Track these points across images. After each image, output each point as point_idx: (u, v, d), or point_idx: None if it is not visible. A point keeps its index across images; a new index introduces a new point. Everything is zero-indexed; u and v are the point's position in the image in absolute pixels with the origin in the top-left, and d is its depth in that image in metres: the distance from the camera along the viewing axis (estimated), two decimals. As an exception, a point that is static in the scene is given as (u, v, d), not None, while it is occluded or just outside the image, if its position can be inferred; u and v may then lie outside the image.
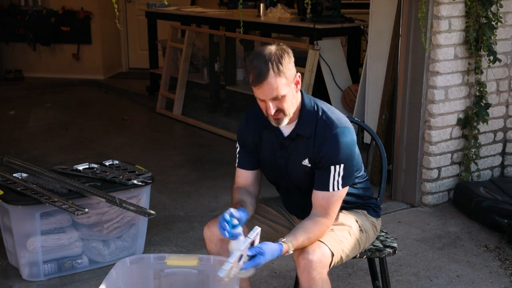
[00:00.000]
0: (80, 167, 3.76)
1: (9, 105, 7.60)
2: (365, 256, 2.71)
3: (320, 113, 2.46)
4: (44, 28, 8.79)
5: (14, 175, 3.61)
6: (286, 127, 2.49)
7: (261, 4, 6.38)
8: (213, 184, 4.87)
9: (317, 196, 2.45)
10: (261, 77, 2.33)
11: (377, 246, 2.75)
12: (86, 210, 3.26)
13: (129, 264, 2.62)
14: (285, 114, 2.41)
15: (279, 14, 6.20)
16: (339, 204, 2.48)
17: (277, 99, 2.36)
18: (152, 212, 3.42)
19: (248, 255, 2.26)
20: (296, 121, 2.48)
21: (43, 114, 7.32)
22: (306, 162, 2.48)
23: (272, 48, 2.38)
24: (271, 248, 2.31)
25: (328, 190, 2.43)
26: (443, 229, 4.08)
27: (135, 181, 3.56)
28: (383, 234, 2.86)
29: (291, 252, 2.37)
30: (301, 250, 2.39)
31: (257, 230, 2.31)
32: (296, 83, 2.41)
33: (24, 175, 3.63)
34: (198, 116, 6.80)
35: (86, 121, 6.90)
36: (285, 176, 2.58)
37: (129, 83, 8.64)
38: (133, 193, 3.57)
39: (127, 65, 9.61)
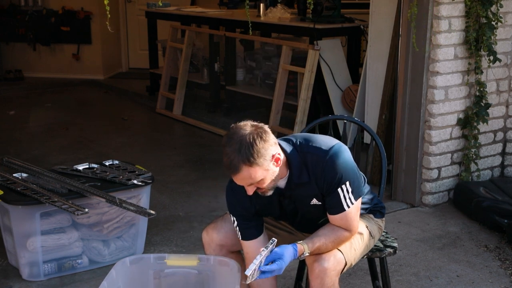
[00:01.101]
0: (80, 167, 3.77)
1: (9, 105, 7.60)
2: (365, 256, 2.71)
3: (304, 149, 2.37)
4: (44, 28, 8.79)
5: (14, 175, 3.61)
6: (281, 180, 2.39)
7: (261, 4, 6.38)
8: (213, 184, 4.87)
9: (335, 218, 2.42)
10: (232, 169, 2.23)
11: (377, 246, 2.75)
12: (86, 210, 3.26)
13: (129, 264, 2.62)
14: (268, 189, 2.33)
15: (279, 14, 6.19)
16: (357, 215, 2.46)
17: (253, 184, 2.28)
18: (152, 212, 3.42)
19: (267, 263, 2.26)
20: (288, 173, 2.39)
21: (43, 114, 7.32)
22: (314, 201, 2.43)
23: (246, 131, 2.24)
24: (287, 251, 2.30)
25: (344, 210, 2.40)
26: (443, 229, 4.08)
27: (135, 181, 3.56)
28: (383, 234, 2.86)
29: (307, 254, 2.36)
30: (316, 256, 2.39)
31: (275, 242, 2.30)
32: (276, 160, 2.29)
33: (24, 175, 3.63)
34: (198, 116, 6.80)
35: (86, 121, 6.90)
36: (296, 217, 2.55)
37: (129, 83, 8.64)
38: (133, 193, 3.57)
39: (127, 65, 9.61)
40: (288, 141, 2.41)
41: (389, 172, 4.45)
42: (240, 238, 2.50)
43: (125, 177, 3.61)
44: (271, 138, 2.29)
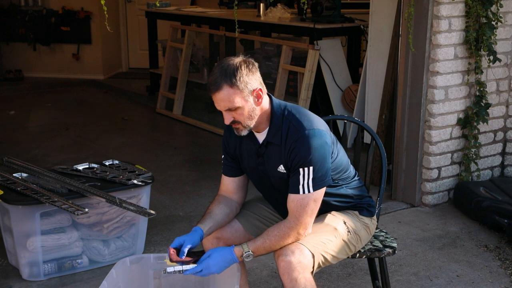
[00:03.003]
0: (80, 167, 3.77)
1: (9, 105, 7.60)
2: (365, 256, 2.71)
3: (290, 118, 2.44)
4: (44, 28, 8.79)
5: (14, 175, 3.61)
6: (260, 134, 2.50)
7: (261, 4, 6.39)
8: (213, 184, 4.86)
9: (289, 199, 2.44)
10: (214, 86, 2.35)
11: (377, 246, 2.75)
12: (86, 210, 3.26)
13: (129, 264, 2.62)
14: (243, 126, 2.42)
15: (279, 14, 6.20)
16: (311, 208, 2.43)
17: (231, 110, 2.37)
18: (152, 212, 3.42)
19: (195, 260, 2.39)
20: (267, 128, 2.48)
21: (43, 114, 7.32)
22: (281, 168, 2.47)
23: (236, 59, 2.39)
24: (218, 251, 2.38)
25: (298, 192, 2.41)
26: (443, 229, 4.08)
27: (135, 181, 3.56)
28: (383, 234, 2.86)
29: (249, 253, 2.38)
30: (280, 252, 2.40)
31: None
32: (257, 96, 2.40)
33: (24, 175, 3.63)
34: (198, 116, 6.80)
35: (86, 121, 6.90)
36: (267, 183, 2.59)
37: (129, 83, 8.65)
38: (133, 193, 3.57)
39: (127, 65, 9.61)
40: (281, 103, 2.51)
41: (389, 172, 4.45)
42: (222, 172, 2.66)
43: (125, 177, 3.61)
44: (258, 74, 2.42)
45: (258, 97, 2.40)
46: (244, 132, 2.44)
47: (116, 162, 3.87)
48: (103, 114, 7.32)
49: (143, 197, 3.62)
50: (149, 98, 7.74)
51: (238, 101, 2.35)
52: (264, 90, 2.44)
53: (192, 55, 6.98)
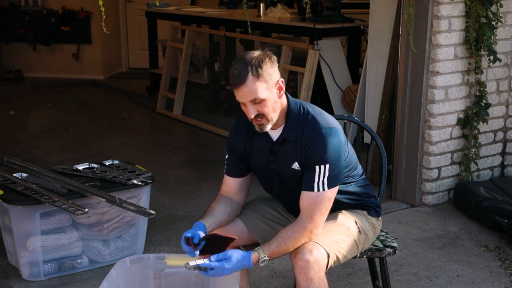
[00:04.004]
0: (80, 167, 3.77)
1: (9, 105, 7.60)
2: (365, 256, 2.71)
3: (306, 116, 2.46)
4: (44, 28, 8.80)
5: (14, 175, 3.61)
6: (274, 131, 2.50)
7: (261, 4, 6.39)
8: (213, 184, 4.87)
9: (303, 197, 2.44)
10: (239, 79, 2.34)
11: (377, 246, 2.75)
12: (86, 210, 3.26)
13: (129, 264, 2.62)
14: (267, 120, 2.41)
15: (279, 14, 6.20)
16: (325, 206, 2.44)
17: (257, 102, 2.36)
18: (152, 212, 3.42)
19: (212, 260, 2.33)
20: (283, 125, 2.48)
21: (43, 114, 7.32)
22: (295, 165, 2.47)
23: (256, 53, 2.40)
24: (236, 255, 2.34)
25: (313, 190, 2.41)
26: (443, 229, 4.08)
27: (135, 181, 3.56)
28: (383, 234, 2.86)
29: (264, 258, 2.36)
30: (297, 251, 2.39)
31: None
32: (279, 89, 2.42)
33: (24, 175, 3.63)
34: (198, 116, 6.80)
35: (86, 121, 6.90)
36: (278, 181, 2.58)
37: (129, 83, 8.65)
38: (133, 193, 3.57)
39: (127, 65, 9.61)
40: (296, 101, 2.52)
41: (389, 172, 4.45)
42: (224, 172, 2.65)
43: (125, 177, 3.61)
44: (277, 65, 2.43)
45: (280, 89, 2.42)
46: (268, 127, 2.43)
47: (116, 162, 3.87)
48: (103, 114, 7.32)
49: (143, 197, 3.62)
50: (149, 98, 7.74)
51: (264, 93, 2.35)
52: (282, 79, 2.46)
53: (192, 55, 6.98)
